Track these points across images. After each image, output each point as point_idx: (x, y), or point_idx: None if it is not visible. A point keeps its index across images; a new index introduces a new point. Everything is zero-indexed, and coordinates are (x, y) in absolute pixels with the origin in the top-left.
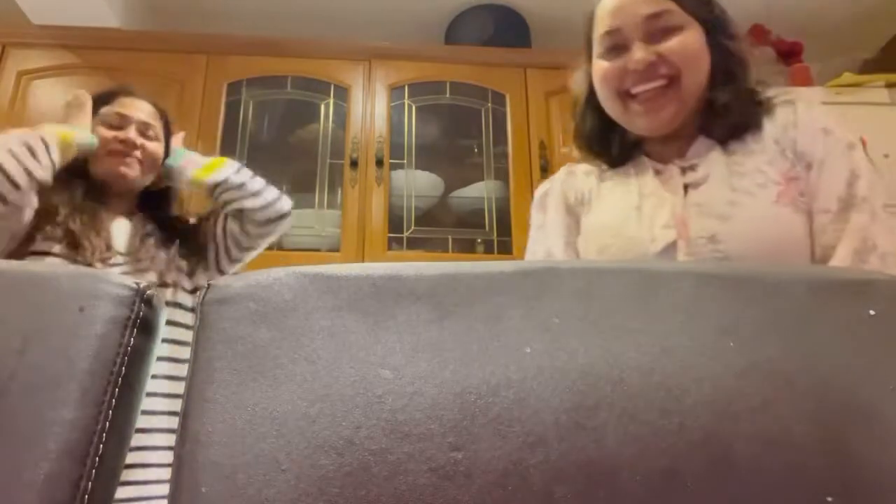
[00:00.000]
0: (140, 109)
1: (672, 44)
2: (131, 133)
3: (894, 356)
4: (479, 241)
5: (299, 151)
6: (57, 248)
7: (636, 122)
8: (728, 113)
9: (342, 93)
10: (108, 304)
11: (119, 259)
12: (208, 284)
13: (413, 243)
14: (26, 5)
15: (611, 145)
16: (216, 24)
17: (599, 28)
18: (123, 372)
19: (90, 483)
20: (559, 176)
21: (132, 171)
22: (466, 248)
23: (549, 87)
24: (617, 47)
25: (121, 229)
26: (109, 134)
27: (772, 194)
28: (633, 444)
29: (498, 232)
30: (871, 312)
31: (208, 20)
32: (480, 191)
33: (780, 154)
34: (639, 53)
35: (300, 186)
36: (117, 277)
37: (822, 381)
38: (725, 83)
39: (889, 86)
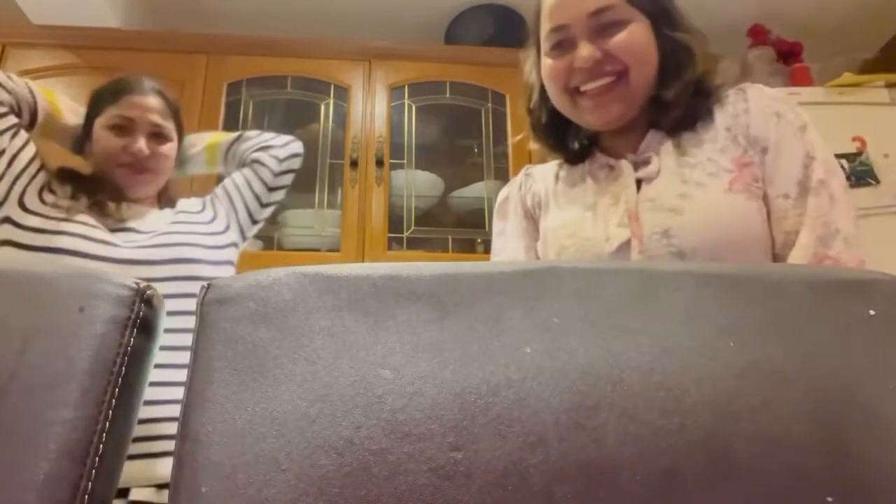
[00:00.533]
0: (149, 109)
1: (618, 39)
2: (141, 143)
3: (894, 356)
4: (479, 241)
5: None
6: (83, 217)
7: (586, 117)
8: (677, 105)
9: (342, 93)
10: (108, 304)
11: (142, 236)
12: (208, 284)
13: (413, 243)
14: (26, 5)
15: (566, 140)
16: (216, 24)
17: (546, 24)
18: (123, 372)
19: (90, 483)
20: (517, 180)
21: (146, 185)
22: (466, 248)
23: None
24: (563, 44)
25: (145, 216)
26: (118, 143)
27: (724, 182)
28: (633, 444)
29: None
30: (871, 312)
31: (208, 20)
32: (480, 191)
33: (733, 141)
34: (585, 51)
35: (300, 186)
36: (117, 277)
37: (822, 381)
38: (674, 76)
39: (889, 86)
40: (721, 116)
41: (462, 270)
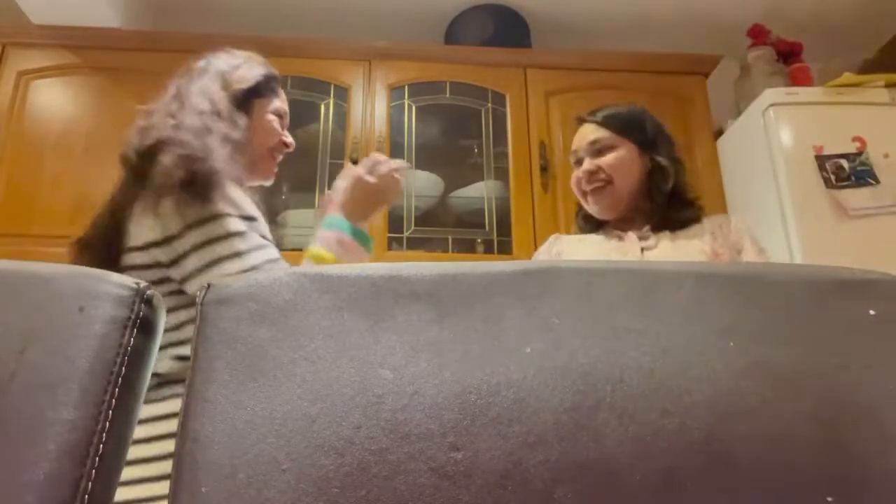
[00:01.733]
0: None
1: (605, 159)
2: (289, 136)
3: (894, 356)
4: (479, 241)
5: (299, 151)
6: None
7: (592, 208)
8: (659, 208)
9: (342, 93)
10: (108, 304)
11: None
12: (208, 284)
13: (413, 243)
14: (26, 5)
15: (590, 220)
16: (216, 24)
17: (571, 149)
18: (123, 372)
19: (90, 483)
20: (548, 242)
21: (272, 177)
22: (466, 248)
23: (549, 87)
24: (578, 161)
25: None
26: (279, 131)
27: (705, 259)
28: (633, 444)
29: (498, 232)
30: (871, 312)
31: (208, 20)
32: (480, 191)
33: (713, 239)
34: (585, 165)
35: (300, 186)
36: (117, 277)
37: (822, 380)
38: (655, 188)
39: (889, 86)
40: (708, 224)
41: (462, 270)
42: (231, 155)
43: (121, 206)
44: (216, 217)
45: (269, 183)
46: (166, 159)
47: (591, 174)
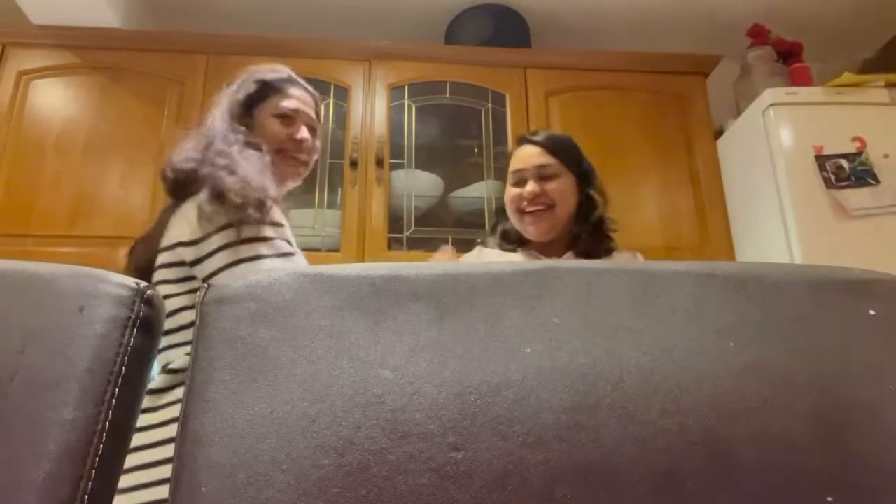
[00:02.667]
0: (307, 103)
1: (551, 185)
2: (304, 132)
3: (894, 356)
4: (478, 241)
5: None
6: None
7: (527, 229)
8: (584, 236)
9: (342, 93)
10: (108, 304)
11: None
12: (208, 284)
13: (413, 243)
14: (26, 5)
15: (511, 238)
16: (216, 24)
17: (512, 167)
18: (123, 372)
19: (90, 483)
20: (474, 252)
21: (300, 176)
22: (466, 248)
23: (549, 87)
24: (520, 181)
25: None
26: (284, 131)
27: None
28: (633, 444)
29: None
30: (871, 312)
31: (208, 20)
32: (480, 191)
33: None
34: (531, 187)
35: (300, 186)
36: (117, 277)
37: (822, 380)
38: (585, 217)
39: (889, 86)
40: (618, 257)
41: (462, 270)
42: (265, 172)
43: (161, 221)
44: (245, 221)
45: (296, 184)
46: (221, 183)
47: (537, 196)
